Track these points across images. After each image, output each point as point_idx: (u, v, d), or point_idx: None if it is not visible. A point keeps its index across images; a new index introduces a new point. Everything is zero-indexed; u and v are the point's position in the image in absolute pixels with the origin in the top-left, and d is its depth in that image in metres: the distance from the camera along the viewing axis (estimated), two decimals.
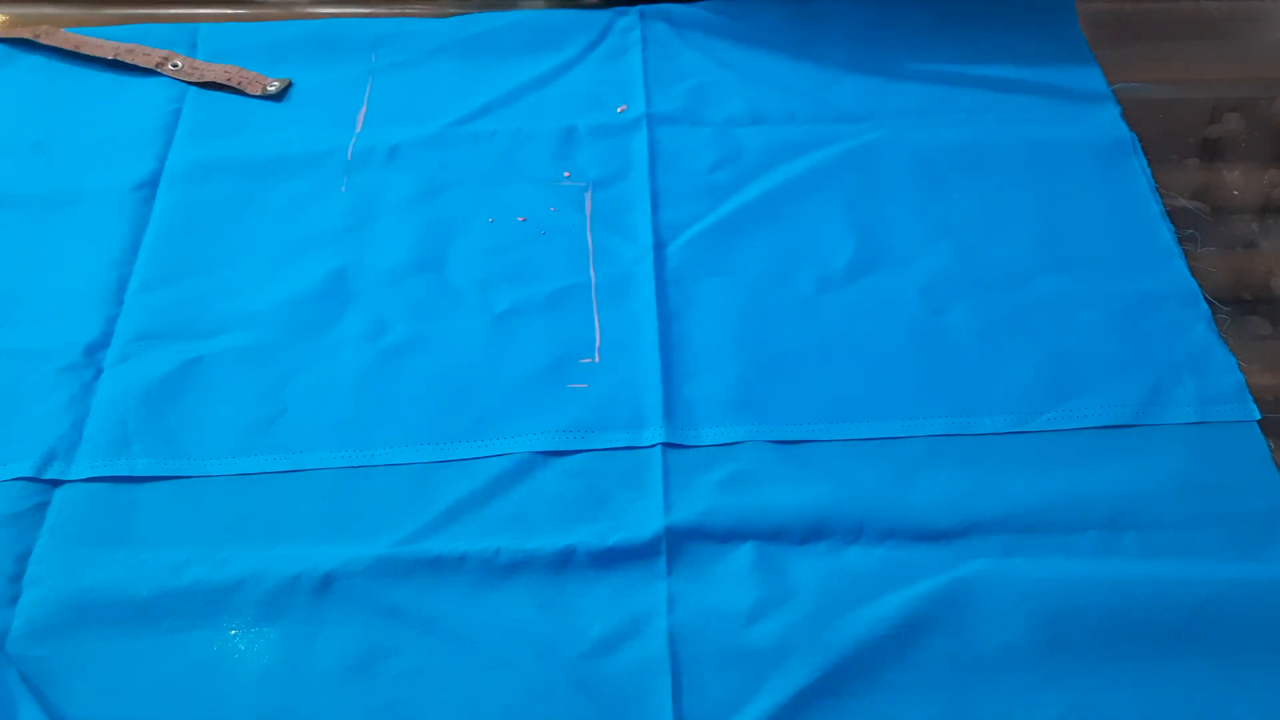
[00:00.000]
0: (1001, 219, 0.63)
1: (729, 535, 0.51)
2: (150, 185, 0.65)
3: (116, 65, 0.71)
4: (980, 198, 0.64)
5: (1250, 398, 0.55)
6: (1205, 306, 0.59)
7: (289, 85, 0.67)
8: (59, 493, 0.52)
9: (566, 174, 0.66)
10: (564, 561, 0.50)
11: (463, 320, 0.59)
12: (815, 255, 0.61)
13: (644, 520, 0.51)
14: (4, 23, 0.74)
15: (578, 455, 0.54)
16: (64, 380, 0.56)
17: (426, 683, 0.47)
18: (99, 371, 0.57)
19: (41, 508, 0.52)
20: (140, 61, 0.66)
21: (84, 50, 0.65)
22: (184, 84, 0.70)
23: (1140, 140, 0.67)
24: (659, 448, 0.54)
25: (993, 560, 0.50)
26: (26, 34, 0.69)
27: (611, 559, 0.50)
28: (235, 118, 0.69)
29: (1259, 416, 0.54)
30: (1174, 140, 0.68)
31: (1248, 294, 0.61)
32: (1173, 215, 0.64)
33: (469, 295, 0.60)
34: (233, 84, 0.66)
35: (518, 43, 0.73)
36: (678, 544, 0.50)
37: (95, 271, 0.61)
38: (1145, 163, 0.66)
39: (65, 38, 0.68)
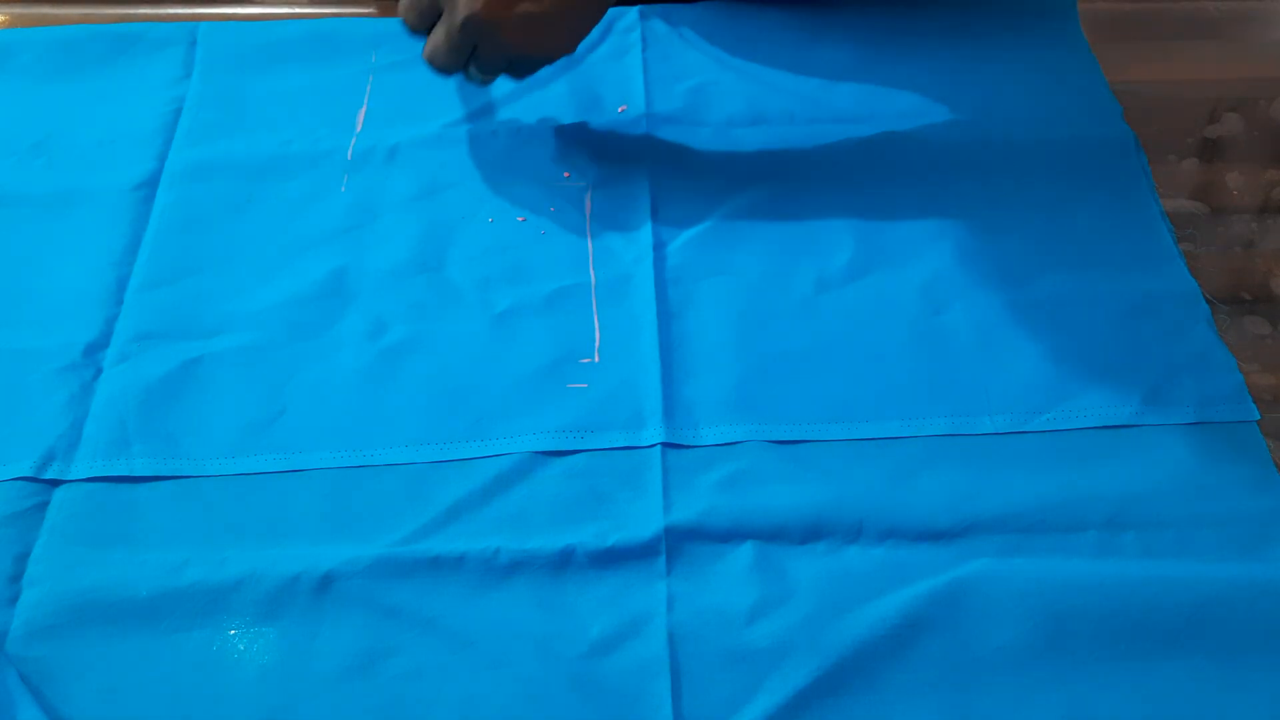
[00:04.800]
0: (1001, 219, 0.63)
1: (729, 535, 0.51)
2: (150, 185, 0.65)
3: (116, 64, 0.71)
4: (980, 198, 0.64)
5: (1250, 398, 0.55)
6: (1205, 306, 0.59)
7: None
8: (58, 493, 0.52)
9: (566, 174, 0.66)
10: (564, 561, 0.50)
11: (463, 320, 0.59)
12: (815, 255, 0.61)
13: (644, 520, 0.51)
14: (3, 22, 0.74)
15: (577, 455, 0.54)
16: (64, 380, 0.56)
17: (426, 683, 0.47)
18: (99, 371, 0.57)
19: (41, 508, 0.52)
20: None
21: None
22: (184, 83, 0.70)
23: (1140, 140, 0.67)
24: (659, 448, 0.54)
25: (993, 560, 0.50)
26: None
27: (611, 559, 0.50)
28: (235, 118, 0.69)
29: (1259, 416, 0.54)
30: (1174, 140, 0.68)
31: (1247, 294, 0.61)
32: (1173, 215, 0.64)
33: (469, 295, 0.60)
34: None
35: None
36: (677, 544, 0.50)
37: (95, 271, 0.61)
38: (1145, 163, 0.66)
39: None
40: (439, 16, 0.60)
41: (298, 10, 0.76)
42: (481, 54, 0.60)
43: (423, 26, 0.61)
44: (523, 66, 0.62)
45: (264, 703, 0.46)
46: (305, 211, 0.64)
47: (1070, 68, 0.72)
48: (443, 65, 0.61)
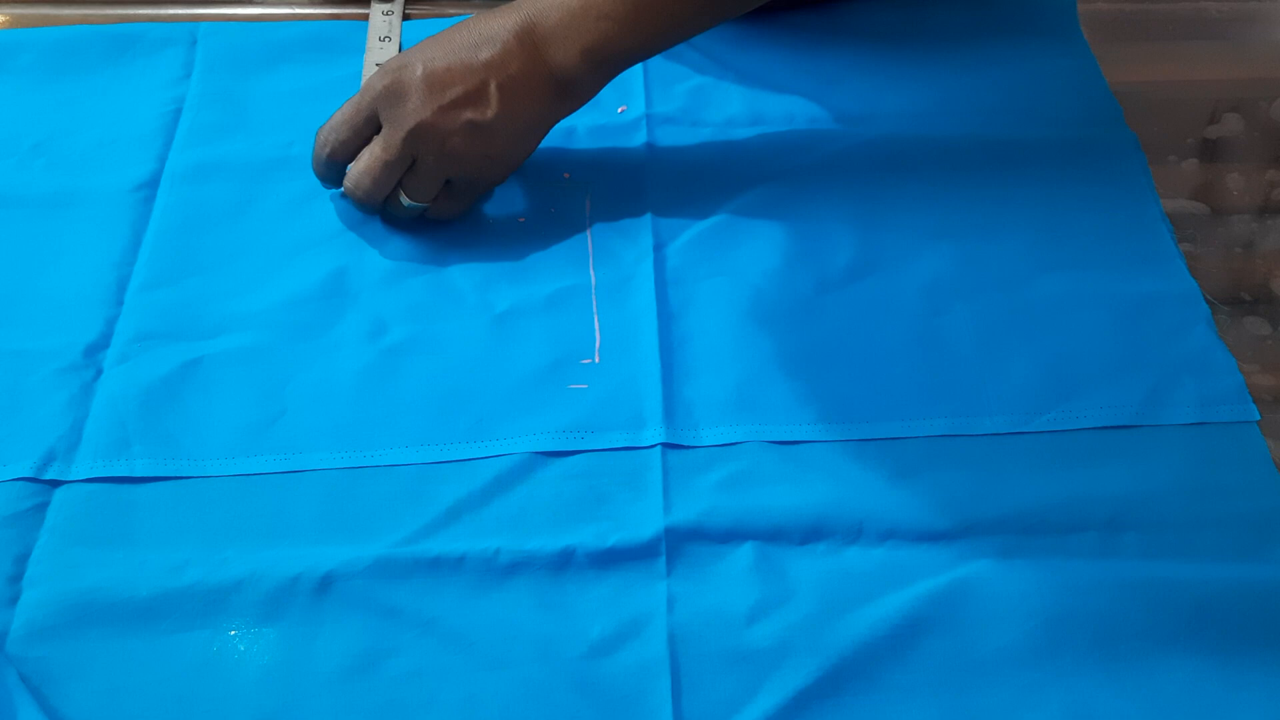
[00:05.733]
0: (1001, 219, 0.63)
1: (729, 535, 0.51)
2: (150, 185, 0.65)
3: (116, 64, 0.71)
4: (980, 198, 0.64)
5: (1250, 398, 0.55)
6: (1205, 307, 0.59)
7: None
8: (59, 493, 0.52)
9: (566, 174, 0.66)
10: (564, 562, 0.50)
11: (463, 320, 0.59)
12: (815, 255, 0.61)
13: (644, 520, 0.51)
14: (3, 22, 0.74)
15: (578, 455, 0.54)
16: (64, 380, 0.56)
17: (426, 683, 0.47)
18: (99, 372, 0.57)
19: (41, 508, 0.52)
20: None
21: None
22: (184, 83, 0.70)
23: (1140, 140, 0.67)
24: (659, 448, 0.54)
25: (992, 561, 0.50)
26: None
27: (611, 559, 0.50)
28: (235, 118, 0.69)
29: (1259, 417, 0.54)
30: (1174, 140, 0.68)
31: (1247, 294, 0.61)
32: (1173, 215, 0.64)
33: (469, 295, 0.60)
34: None
35: None
36: (677, 544, 0.50)
37: (95, 272, 0.61)
38: (1145, 163, 0.66)
39: None
40: (365, 142, 0.60)
41: (298, 10, 0.76)
42: (419, 170, 0.59)
43: (350, 150, 0.60)
44: (456, 190, 0.61)
45: (264, 703, 0.46)
46: (305, 211, 0.64)
47: (1070, 68, 0.72)
48: (371, 187, 0.59)
